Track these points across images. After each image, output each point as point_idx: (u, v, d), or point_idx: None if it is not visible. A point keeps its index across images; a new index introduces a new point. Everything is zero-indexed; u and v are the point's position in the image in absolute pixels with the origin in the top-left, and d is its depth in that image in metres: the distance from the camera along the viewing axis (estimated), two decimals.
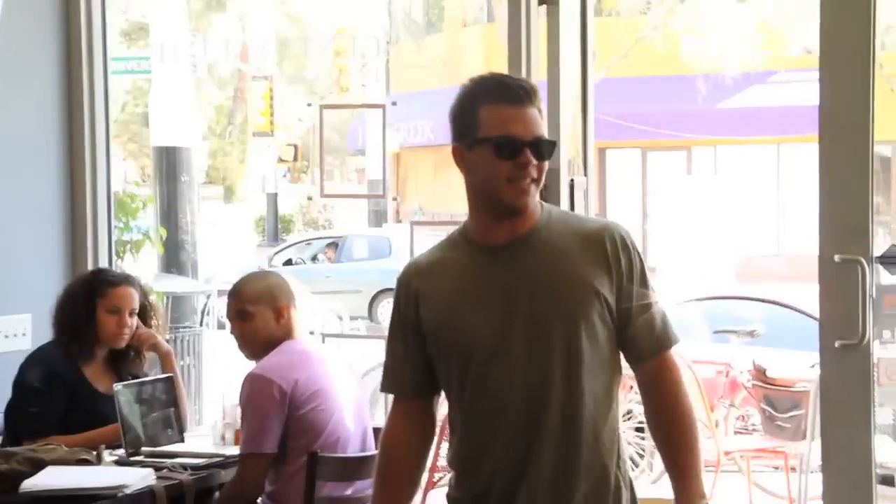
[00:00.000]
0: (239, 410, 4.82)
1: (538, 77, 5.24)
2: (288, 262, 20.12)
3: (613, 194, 22.58)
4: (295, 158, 26.00)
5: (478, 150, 3.18)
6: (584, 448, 3.21)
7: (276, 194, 25.60)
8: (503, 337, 3.19)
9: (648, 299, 3.28)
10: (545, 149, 3.21)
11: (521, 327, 3.19)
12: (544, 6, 5.34)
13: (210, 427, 5.32)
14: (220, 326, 13.14)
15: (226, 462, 4.89)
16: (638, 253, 3.28)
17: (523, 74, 5.16)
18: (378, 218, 23.06)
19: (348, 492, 4.67)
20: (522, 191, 3.18)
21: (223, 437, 5.13)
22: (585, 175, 5.44)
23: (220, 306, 13.14)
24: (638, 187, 22.33)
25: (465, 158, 3.22)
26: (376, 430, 4.85)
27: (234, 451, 4.87)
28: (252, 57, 25.22)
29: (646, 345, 3.27)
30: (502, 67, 5.12)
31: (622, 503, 3.27)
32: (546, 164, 3.23)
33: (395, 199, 7.38)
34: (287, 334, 4.81)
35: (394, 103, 6.81)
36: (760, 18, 20.22)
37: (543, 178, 3.23)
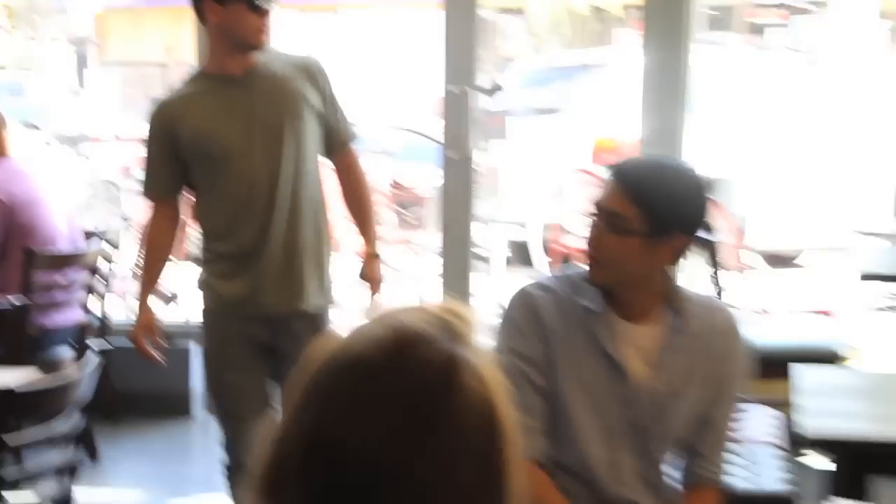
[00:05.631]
0: None
1: None
2: None
3: None
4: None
5: (232, 7, 3.25)
6: (306, 216, 3.41)
7: None
8: (247, 141, 3.32)
9: (334, 105, 3.47)
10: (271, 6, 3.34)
11: (258, 131, 3.34)
12: None
13: None
14: None
15: None
16: (329, 78, 3.46)
17: None
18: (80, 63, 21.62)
19: (62, 279, 4.50)
20: (262, 31, 3.30)
21: None
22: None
23: None
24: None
25: (219, 11, 3.26)
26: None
27: None
28: None
29: (339, 139, 3.50)
30: None
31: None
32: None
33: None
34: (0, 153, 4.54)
35: None
36: None
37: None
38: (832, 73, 9.59)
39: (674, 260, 2.36)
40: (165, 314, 4.18)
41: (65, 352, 4.48)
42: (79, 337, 4.57)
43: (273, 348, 3.40)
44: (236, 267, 3.40)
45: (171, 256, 3.58)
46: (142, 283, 3.53)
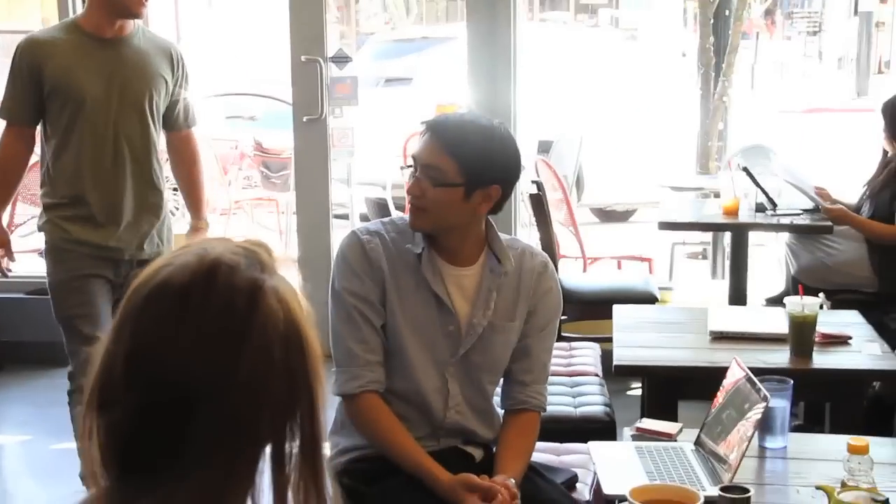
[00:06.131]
0: None
1: None
2: None
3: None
4: None
5: None
6: (153, 173, 3.50)
7: None
8: (107, 96, 3.36)
9: (184, 91, 3.55)
10: None
11: (116, 91, 3.37)
12: None
13: None
14: None
15: None
16: (185, 66, 3.54)
17: None
18: None
19: None
20: (143, 4, 3.35)
21: None
22: None
23: None
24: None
25: None
26: None
27: None
28: None
29: (181, 121, 3.56)
30: None
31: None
32: None
33: None
34: None
35: None
36: None
37: None
38: (649, 46, 9.86)
39: (492, 210, 2.37)
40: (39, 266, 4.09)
41: None
42: None
43: (114, 285, 3.45)
44: (86, 212, 3.43)
45: (21, 180, 3.59)
46: None
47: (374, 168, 7.44)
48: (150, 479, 1.12)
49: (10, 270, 3.60)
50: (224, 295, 1.12)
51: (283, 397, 1.14)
